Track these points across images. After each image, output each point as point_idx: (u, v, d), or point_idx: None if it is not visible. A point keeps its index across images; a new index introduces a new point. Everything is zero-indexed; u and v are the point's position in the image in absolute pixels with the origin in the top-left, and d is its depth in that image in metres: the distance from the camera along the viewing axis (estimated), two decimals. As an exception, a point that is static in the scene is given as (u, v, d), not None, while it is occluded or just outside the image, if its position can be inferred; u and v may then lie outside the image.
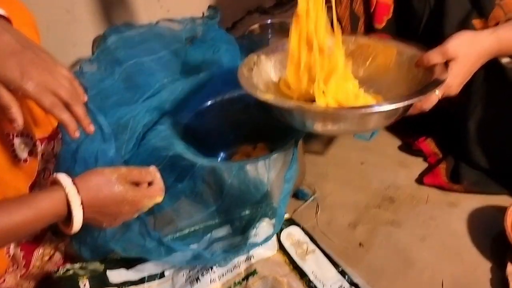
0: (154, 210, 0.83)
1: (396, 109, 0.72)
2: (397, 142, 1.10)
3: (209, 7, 1.38)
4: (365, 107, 0.74)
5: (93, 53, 1.26)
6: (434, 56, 0.78)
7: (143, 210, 0.71)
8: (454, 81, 0.78)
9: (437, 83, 0.75)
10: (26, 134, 0.79)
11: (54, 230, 0.84)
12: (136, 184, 0.71)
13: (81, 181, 0.64)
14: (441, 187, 0.97)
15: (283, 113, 0.80)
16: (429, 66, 0.79)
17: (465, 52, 0.77)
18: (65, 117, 0.65)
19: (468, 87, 0.90)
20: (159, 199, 0.72)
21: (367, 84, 0.88)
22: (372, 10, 0.97)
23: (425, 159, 1.04)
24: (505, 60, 0.82)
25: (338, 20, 0.99)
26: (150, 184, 0.72)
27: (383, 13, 0.97)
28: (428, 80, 0.77)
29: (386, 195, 0.97)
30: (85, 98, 0.72)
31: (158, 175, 0.73)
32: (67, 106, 0.66)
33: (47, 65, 0.65)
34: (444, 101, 0.96)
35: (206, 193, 0.93)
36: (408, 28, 0.95)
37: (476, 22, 0.87)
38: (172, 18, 1.41)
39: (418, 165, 1.03)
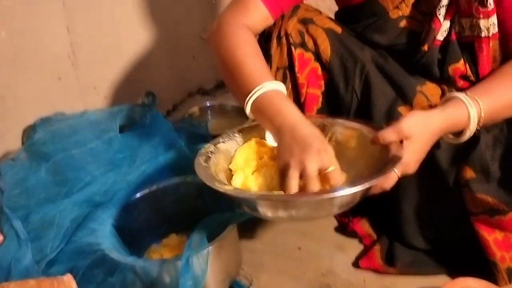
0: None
1: (357, 192, 0.71)
2: (334, 223, 1.10)
3: (147, 93, 1.39)
4: (325, 193, 0.71)
5: (22, 143, 1.22)
6: (389, 135, 0.78)
7: None
8: (411, 159, 0.78)
9: (394, 161, 0.74)
10: None
11: None
12: None
13: None
14: (376, 270, 0.96)
15: (242, 203, 0.78)
16: (384, 144, 0.78)
17: (419, 131, 0.78)
18: None
19: None
20: None
21: None
22: (302, 99, 1.00)
23: (361, 241, 1.04)
24: (449, 137, 0.85)
25: None
26: None
27: (313, 103, 1.00)
28: (385, 158, 0.77)
29: (324, 282, 0.95)
30: None
31: (73, 285, 0.68)
32: None
33: None
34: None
35: (136, 286, 0.88)
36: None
37: (401, 109, 0.91)
38: (108, 106, 1.42)
39: (355, 247, 1.03)
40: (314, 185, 0.71)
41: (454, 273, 0.90)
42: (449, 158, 0.88)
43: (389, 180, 0.78)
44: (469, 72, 0.90)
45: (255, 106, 0.80)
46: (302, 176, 0.72)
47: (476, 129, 0.82)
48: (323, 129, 0.88)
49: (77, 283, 0.71)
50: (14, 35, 1.15)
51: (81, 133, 1.08)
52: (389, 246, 0.98)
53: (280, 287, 0.95)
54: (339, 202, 0.74)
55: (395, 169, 0.75)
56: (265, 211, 0.76)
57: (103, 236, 0.91)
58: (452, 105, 0.82)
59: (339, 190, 0.70)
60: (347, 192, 0.70)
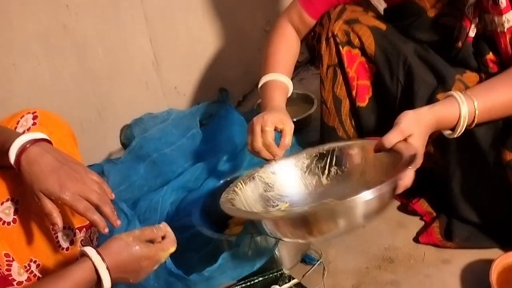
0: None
1: (383, 194, 0.71)
2: (395, 203, 1.19)
3: (220, 89, 1.55)
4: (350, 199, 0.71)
5: (120, 141, 1.45)
6: (394, 137, 0.84)
7: (161, 261, 0.81)
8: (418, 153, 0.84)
9: (410, 158, 0.80)
10: (68, 227, 0.95)
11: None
12: (151, 241, 0.81)
13: (103, 249, 0.75)
14: (435, 245, 1.05)
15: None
16: (390, 147, 0.84)
17: (417, 128, 0.85)
18: (96, 217, 0.79)
19: (444, 154, 1.01)
20: (172, 249, 0.82)
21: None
22: (354, 92, 1.10)
23: (422, 218, 1.13)
24: (446, 132, 0.91)
25: (324, 101, 1.14)
26: (163, 238, 0.83)
27: (364, 93, 1.11)
28: (397, 158, 0.81)
29: (386, 256, 1.06)
30: (113, 196, 0.87)
31: (169, 229, 0.83)
32: (98, 208, 0.80)
33: (80, 176, 0.81)
34: (430, 163, 1.07)
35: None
36: (387, 105, 1.08)
37: (440, 96, 0.98)
38: (189, 105, 1.60)
39: (415, 224, 1.12)
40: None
41: (507, 247, 0.97)
42: (489, 141, 0.93)
43: (408, 177, 0.83)
44: (498, 60, 0.95)
45: (263, 85, 1.08)
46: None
47: (471, 125, 0.87)
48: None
49: (181, 251, 0.88)
50: (108, 52, 1.36)
51: (169, 134, 1.28)
52: (447, 222, 1.06)
53: (346, 261, 1.07)
54: (365, 209, 0.73)
55: (410, 166, 0.78)
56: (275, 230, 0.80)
57: (196, 216, 1.08)
58: (443, 103, 0.88)
59: (358, 195, 0.70)
60: (368, 195, 0.69)
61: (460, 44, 0.97)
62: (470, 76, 0.98)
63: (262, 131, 0.94)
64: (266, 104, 1.03)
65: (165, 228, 0.83)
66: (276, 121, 0.95)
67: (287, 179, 1.00)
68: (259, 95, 1.10)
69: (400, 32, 1.07)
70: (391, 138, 0.85)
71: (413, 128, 0.85)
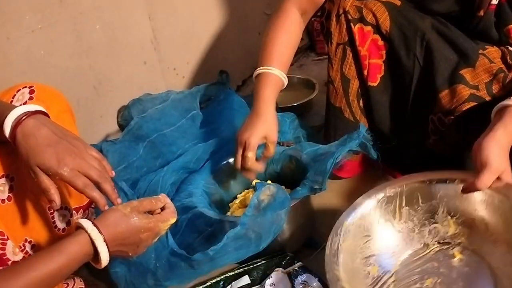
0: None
1: None
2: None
3: (220, 71, 1.51)
4: None
5: (118, 122, 1.40)
6: (489, 179, 0.77)
7: (161, 233, 0.77)
8: None
9: None
10: (64, 207, 0.92)
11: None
12: (150, 212, 0.77)
13: (100, 221, 0.71)
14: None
15: None
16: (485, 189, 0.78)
17: (506, 159, 0.78)
18: (95, 194, 0.75)
19: (465, 137, 0.97)
20: (172, 220, 0.77)
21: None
22: (366, 71, 1.07)
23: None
24: None
25: (331, 81, 1.11)
26: (163, 209, 0.79)
27: (376, 72, 1.07)
28: None
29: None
30: (113, 174, 0.83)
31: (168, 200, 0.79)
32: (97, 184, 0.76)
33: (79, 151, 0.76)
34: (441, 145, 1.04)
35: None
36: (401, 84, 1.05)
37: (464, 71, 0.95)
38: (188, 87, 1.56)
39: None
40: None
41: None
42: None
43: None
44: None
45: (257, 77, 1.05)
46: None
47: None
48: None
49: (183, 232, 0.84)
50: (105, 27, 1.31)
51: (169, 115, 1.24)
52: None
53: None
54: None
55: None
56: None
57: (198, 197, 1.06)
58: (509, 117, 0.81)
59: None
60: None
61: (482, 13, 0.93)
62: (492, 52, 0.95)
63: (243, 155, 0.98)
64: (256, 100, 1.02)
65: (164, 199, 0.79)
66: (258, 140, 0.98)
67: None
68: (254, 80, 1.07)
69: (415, 8, 1.03)
70: (486, 181, 0.77)
71: (504, 164, 0.78)
